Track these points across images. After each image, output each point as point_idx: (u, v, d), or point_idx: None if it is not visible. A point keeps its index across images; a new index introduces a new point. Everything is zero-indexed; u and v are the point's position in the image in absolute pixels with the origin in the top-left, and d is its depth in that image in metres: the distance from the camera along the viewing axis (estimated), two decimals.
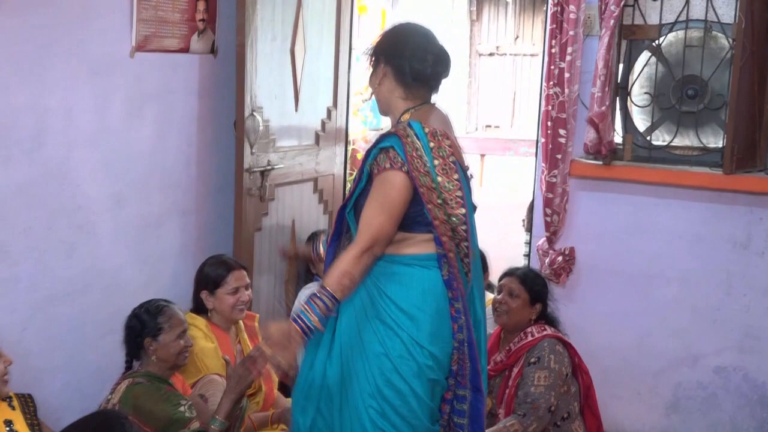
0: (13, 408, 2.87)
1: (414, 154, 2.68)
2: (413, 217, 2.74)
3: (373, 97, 3.00)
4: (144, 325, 3.44)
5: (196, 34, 4.04)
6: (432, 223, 2.72)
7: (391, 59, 2.85)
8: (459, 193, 2.74)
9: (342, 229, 2.93)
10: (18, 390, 2.91)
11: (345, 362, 2.81)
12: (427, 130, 2.73)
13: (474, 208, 2.92)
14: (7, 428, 2.80)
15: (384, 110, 2.95)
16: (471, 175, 2.98)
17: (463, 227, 2.75)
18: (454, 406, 2.87)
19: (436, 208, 2.72)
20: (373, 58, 2.90)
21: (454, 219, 2.73)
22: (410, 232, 2.78)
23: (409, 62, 2.81)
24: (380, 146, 2.73)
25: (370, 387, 2.76)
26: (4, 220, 3.25)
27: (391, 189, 2.69)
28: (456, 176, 2.75)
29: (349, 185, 5.21)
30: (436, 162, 2.71)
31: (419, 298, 2.76)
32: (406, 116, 2.80)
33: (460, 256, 2.79)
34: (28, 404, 2.92)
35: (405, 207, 2.72)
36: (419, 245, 2.79)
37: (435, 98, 2.95)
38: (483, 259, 4.38)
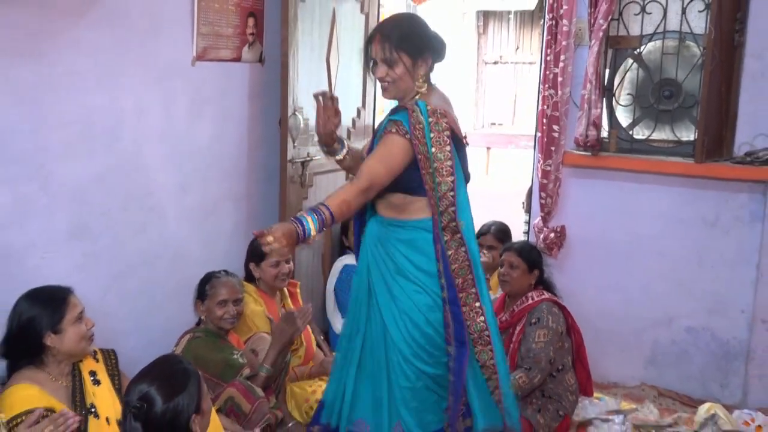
0: (97, 360, 2.87)
1: (417, 126, 2.65)
2: (417, 181, 2.71)
3: (387, 83, 2.77)
4: (198, 290, 3.51)
5: (246, 45, 4.03)
6: (426, 190, 2.71)
7: (421, 52, 2.74)
8: (449, 163, 2.68)
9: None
10: (99, 346, 2.93)
11: (382, 317, 2.82)
12: (429, 108, 2.68)
13: (467, 178, 2.87)
14: (92, 378, 2.81)
15: (401, 96, 2.80)
16: (467, 142, 2.97)
17: (451, 193, 2.69)
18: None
19: (427, 175, 2.68)
20: (396, 50, 2.71)
21: (443, 186, 2.67)
22: (415, 195, 2.75)
23: (438, 54, 2.79)
24: (390, 118, 2.72)
25: (404, 335, 2.77)
26: (87, 203, 3.26)
27: (392, 147, 2.68)
28: (448, 148, 2.68)
29: None
30: (432, 135, 2.66)
31: (433, 258, 2.75)
32: (418, 93, 2.76)
33: (446, 220, 2.72)
34: (110, 357, 2.92)
35: (402, 167, 2.69)
36: (425, 210, 2.77)
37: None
38: (507, 231, 4.36)
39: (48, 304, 2.69)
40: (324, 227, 2.58)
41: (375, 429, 2.87)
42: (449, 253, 2.73)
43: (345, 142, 3.03)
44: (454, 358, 2.75)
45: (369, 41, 2.78)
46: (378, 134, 2.81)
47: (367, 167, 2.68)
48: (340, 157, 3.01)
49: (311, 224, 2.52)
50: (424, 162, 2.67)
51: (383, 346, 2.84)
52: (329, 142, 2.96)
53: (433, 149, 2.66)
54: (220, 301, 3.45)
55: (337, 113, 2.92)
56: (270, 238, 2.42)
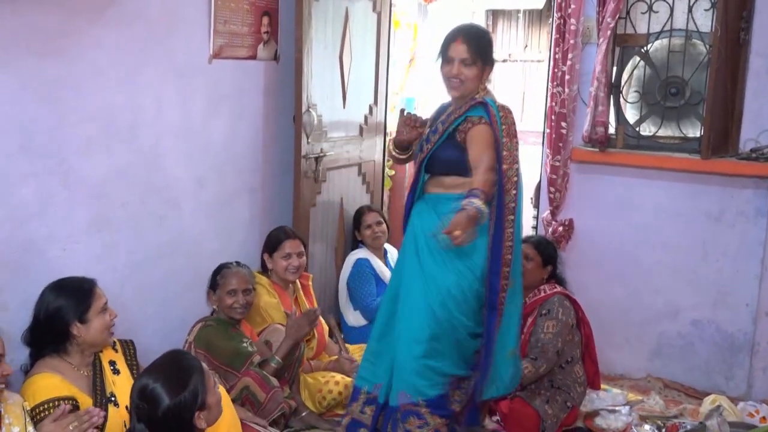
0: (116, 351, 2.90)
1: (493, 118, 2.93)
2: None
3: (458, 81, 2.98)
4: (211, 280, 3.55)
5: (261, 44, 4.04)
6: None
7: (491, 61, 3.04)
8: (516, 152, 2.97)
9: (419, 178, 3.10)
10: (118, 336, 2.95)
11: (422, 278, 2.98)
12: (498, 103, 3.00)
13: None
14: (111, 367, 2.83)
15: (465, 94, 3.00)
16: None
17: (515, 178, 2.95)
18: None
19: (499, 161, 2.92)
20: (474, 54, 2.96)
21: (509, 172, 2.93)
22: (468, 177, 2.91)
23: (493, 67, 3.08)
24: (467, 114, 2.96)
25: (438, 293, 2.94)
26: (107, 196, 3.27)
27: (484, 135, 2.92)
28: (515, 140, 2.98)
29: (387, 170, 5.21)
30: (503, 127, 2.94)
31: (482, 230, 2.88)
32: (479, 95, 2.99)
33: (506, 200, 2.93)
34: (129, 348, 2.95)
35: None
36: None
37: None
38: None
39: (75, 294, 2.72)
40: (485, 200, 2.77)
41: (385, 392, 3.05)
42: (505, 230, 2.94)
43: (412, 148, 3.25)
44: (486, 321, 2.95)
45: (449, 41, 3.00)
46: (451, 127, 2.97)
47: (480, 157, 2.87)
48: (403, 157, 3.29)
49: (480, 203, 2.71)
50: (498, 149, 2.91)
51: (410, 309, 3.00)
52: (402, 147, 3.25)
53: (505, 139, 2.94)
54: (230, 290, 3.47)
55: (417, 128, 3.16)
56: (458, 232, 2.59)
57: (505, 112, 2.99)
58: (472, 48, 2.95)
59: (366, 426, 3.11)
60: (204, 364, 2.45)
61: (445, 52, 3.01)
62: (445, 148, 2.99)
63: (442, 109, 3.16)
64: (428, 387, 2.93)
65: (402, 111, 3.24)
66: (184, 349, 3.29)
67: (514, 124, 2.99)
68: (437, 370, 2.93)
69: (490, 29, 8.73)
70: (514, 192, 2.94)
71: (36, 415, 2.52)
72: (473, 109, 2.96)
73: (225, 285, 3.49)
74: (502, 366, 3.05)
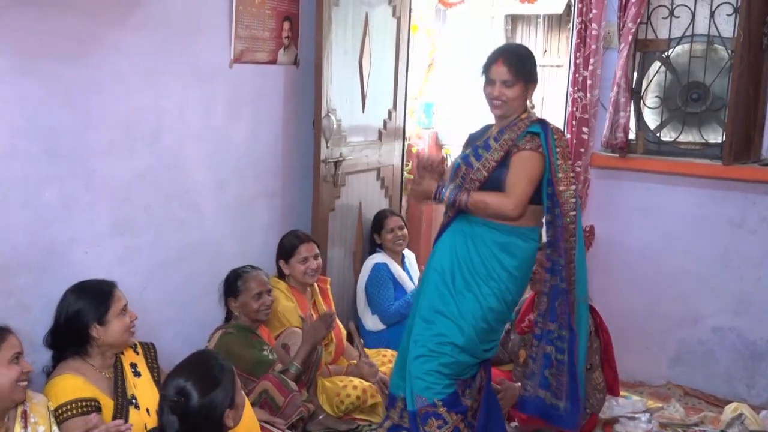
0: (137, 353, 2.91)
1: (549, 141, 2.92)
2: (534, 191, 2.94)
3: (501, 102, 2.99)
4: (229, 287, 3.53)
5: (282, 49, 4.05)
6: (552, 195, 2.94)
7: (534, 79, 3.04)
8: (572, 174, 2.96)
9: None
10: (139, 339, 2.97)
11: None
12: (551, 125, 2.99)
13: None
14: (132, 370, 2.84)
15: (509, 112, 3.01)
16: None
17: (572, 200, 2.95)
18: (555, 345, 3.06)
19: (556, 183, 2.92)
20: (516, 75, 2.96)
21: (566, 194, 2.93)
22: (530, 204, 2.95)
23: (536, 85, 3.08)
24: (529, 131, 2.95)
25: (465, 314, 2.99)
26: (129, 200, 3.29)
27: (533, 163, 2.91)
28: (570, 162, 2.97)
29: (406, 175, 5.21)
30: (558, 149, 2.93)
31: (522, 260, 2.99)
32: (525, 115, 3.01)
33: (567, 221, 2.95)
34: (149, 350, 2.96)
35: (539, 182, 2.93)
36: (532, 218, 2.99)
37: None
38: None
39: (94, 296, 2.74)
40: (454, 205, 2.98)
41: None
42: (568, 251, 2.97)
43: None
44: (568, 340, 3.02)
45: (491, 62, 3.00)
46: (510, 146, 2.96)
47: (519, 189, 2.90)
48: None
49: (446, 193, 2.96)
50: (553, 173, 2.92)
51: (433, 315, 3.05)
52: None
53: (560, 161, 2.92)
54: (255, 294, 3.48)
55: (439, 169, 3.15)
56: (415, 184, 2.92)
57: (559, 134, 2.98)
58: (513, 69, 2.95)
59: (407, 430, 3.15)
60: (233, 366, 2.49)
61: (486, 73, 3.02)
62: (501, 167, 2.97)
63: (477, 135, 3.16)
64: (443, 387, 2.98)
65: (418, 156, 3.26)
66: None
67: (567, 146, 3.00)
68: (450, 376, 2.99)
69: (509, 34, 8.71)
70: (573, 213, 2.95)
71: (59, 416, 2.54)
72: (532, 126, 2.95)
73: (249, 290, 3.49)
74: (582, 386, 3.10)
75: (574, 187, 2.96)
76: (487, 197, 2.92)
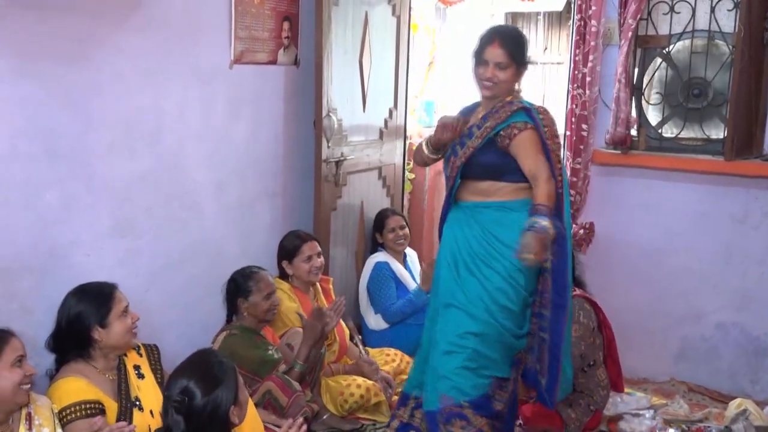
0: (141, 355, 2.91)
1: (537, 120, 2.92)
2: (514, 169, 2.94)
3: (492, 83, 2.96)
4: (238, 288, 3.51)
5: (282, 49, 4.05)
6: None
7: (525, 63, 3.02)
8: (558, 152, 2.98)
9: (454, 183, 3.05)
10: (141, 341, 2.96)
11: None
12: (536, 105, 3.00)
13: None
14: (136, 371, 2.85)
15: (498, 94, 2.98)
16: None
17: (560, 178, 2.93)
18: (539, 324, 3.01)
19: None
20: (510, 57, 2.95)
21: (555, 173, 2.91)
22: (502, 182, 2.97)
23: (527, 69, 3.04)
24: (511, 121, 2.92)
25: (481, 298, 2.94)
26: (130, 201, 3.29)
27: (534, 140, 2.91)
28: (557, 139, 2.99)
29: (407, 174, 5.20)
30: (545, 129, 2.93)
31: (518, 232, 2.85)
32: (509, 98, 2.98)
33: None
34: (153, 352, 2.96)
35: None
36: (518, 191, 2.96)
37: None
38: None
39: (95, 299, 2.74)
40: (564, 236, 2.90)
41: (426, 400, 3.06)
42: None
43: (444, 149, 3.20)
44: (550, 320, 2.96)
45: (485, 43, 2.96)
46: (491, 132, 2.94)
47: (537, 166, 2.89)
48: (434, 157, 3.21)
49: (546, 222, 2.77)
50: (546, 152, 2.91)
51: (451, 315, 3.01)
52: (437, 147, 3.15)
53: (548, 141, 2.92)
54: (267, 294, 3.48)
55: (458, 131, 3.07)
56: (531, 257, 2.69)
57: (544, 113, 2.97)
58: (508, 51, 2.92)
59: (417, 429, 3.13)
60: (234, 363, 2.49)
61: (480, 54, 2.98)
62: (485, 153, 2.95)
63: (468, 111, 3.13)
64: (471, 388, 2.92)
65: (449, 117, 3.16)
66: None
67: (554, 124, 2.98)
68: (479, 373, 2.92)
69: None
70: (560, 191, 2.93)
71: (63, 418, 2.54)
72: (516, 115, 2.93)
73: (260, 290, 3.48)
74: (567, 365, 3.06)
75: (560, 165, 2.95)
76: (542, 200, 2.84)
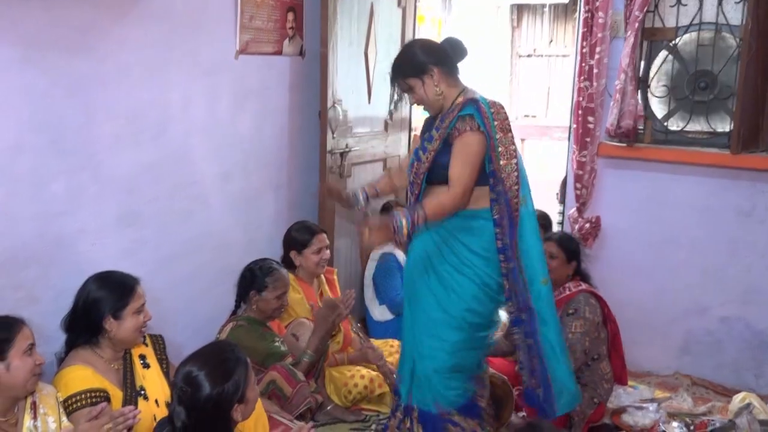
0: (146, 345, 2.93)
1: (485, 116, 2.83)
2: (481, 171, 2.87)
3: (419, 105, 3.01)
4: (254, 280, 3.51)
5: (287, 40, 4.06)
6: (493, 172, 2.85)
7: (422, 69, 2.90)
8: (513, 147, 2.89)
9: (420, 191, 3.01)
10: (147, 332, 2.98)
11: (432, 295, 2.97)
12: (488, 99, 2.91)
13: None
14: (141, 361, 2.86)
15: (439, 107, 2.94)
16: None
17: (515, 173, 2.87)
18: (522, 329, 3.00)
19: (496, 159, 2.85)
20: (402, 80, 2.94)
21: (507, 168, 2.85)
22: (477, 185, 2.89)
23: (444, 60, 2.92)
24: (460, 114, 2.84)
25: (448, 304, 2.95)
26: (135, 192, 3.31)
27: (471, 146, 2.82)
28: (510, 134, 2.90)
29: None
30: (496, 123, 2.85)
31: (489, 241, 2.91)
32: (461, 98, 2.90)
33: (510, 196, 2.87)
34: (158, 342, 2.97)
35: (482, 162, 2.85)
36: (483, 198, 2.91)
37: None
38: (547, 219, 4.37)
39: (116, 289, 2.75)
40: (416, 227, 2.84)
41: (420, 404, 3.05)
42: (514, 227, 2.91)
43: (359, 198, 3.36)
44: (528, 323, 2.96)
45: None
46: (446, 132, 2.88)
47: (456, 175, 2.83)
48: (359, 207, 3.34)
49: (404, 223, 2.81)
50: (493, 148, 2.84)
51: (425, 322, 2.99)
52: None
53: (499, 134, 2.85)
54: (280, 294, 3.50)
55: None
56: (367, 232, 2.74)
57: (497, 107, 2.89)
58: (398, 78, 2.95)
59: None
60: (248, 359, 2.46)
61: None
62: (445, 153, 2.88)
63: (431, 120, 3.07)
64: (458, 396, 2.98)
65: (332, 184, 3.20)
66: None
67: (507, 119, 2.91)
68: (464, 381, 2.98)
69: (515, 24, 8.69)
70: (516, 188, 2.88)
71: (68, 407, 2.56)
72: (465, 108, 2.85)
73: (276, 288, 3.50)
74: (558, 370, 3.02)
75: (515, 161, 2.87)
76: (440, 198, 2.85)
